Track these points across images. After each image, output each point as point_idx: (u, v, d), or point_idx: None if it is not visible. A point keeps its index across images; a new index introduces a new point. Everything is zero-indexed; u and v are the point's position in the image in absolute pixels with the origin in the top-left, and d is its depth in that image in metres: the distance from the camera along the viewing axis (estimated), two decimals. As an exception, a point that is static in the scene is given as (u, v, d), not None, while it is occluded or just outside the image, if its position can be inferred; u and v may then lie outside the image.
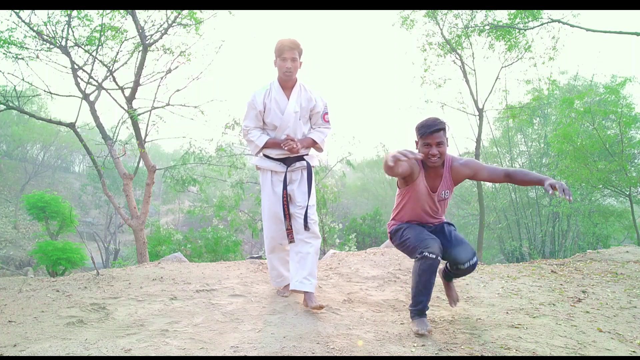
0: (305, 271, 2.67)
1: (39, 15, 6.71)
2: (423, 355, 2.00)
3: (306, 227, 2.72)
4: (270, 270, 3.05)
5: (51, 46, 6.49)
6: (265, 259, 3.72)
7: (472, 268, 2.41)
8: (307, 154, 2.87)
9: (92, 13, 6.41)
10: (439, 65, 11.65)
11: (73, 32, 6.50)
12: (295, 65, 2.68)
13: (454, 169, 2.48)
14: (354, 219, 20.56)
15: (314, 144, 2.85)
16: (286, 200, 2.76)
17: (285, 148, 2.65)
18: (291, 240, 2.79)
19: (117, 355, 1.96)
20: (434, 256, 2.26)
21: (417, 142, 2.43)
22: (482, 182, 13.42)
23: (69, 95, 7.13)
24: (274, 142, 2.74)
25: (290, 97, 2.74)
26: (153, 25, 6.86)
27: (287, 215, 2.76)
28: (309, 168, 2.82)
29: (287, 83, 2.75)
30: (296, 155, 2.77)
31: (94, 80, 6.90)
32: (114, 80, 6.94)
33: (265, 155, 2.84)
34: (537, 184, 2.37)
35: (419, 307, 2.34)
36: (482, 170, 2.48)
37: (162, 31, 6.91)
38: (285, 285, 3.04)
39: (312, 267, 2.70)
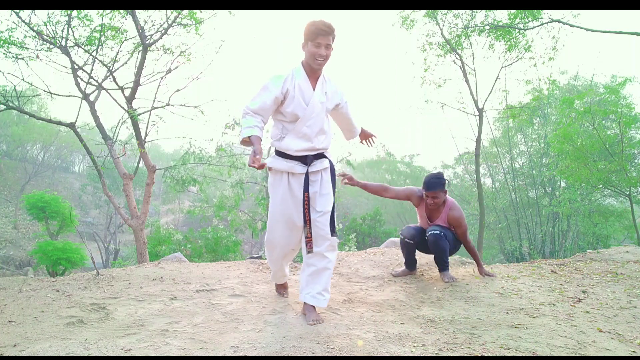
0: (320, 286, 2.46)
1: (39, 15, 6.73)
2: (423, 355, 2.00)
3: (333, 232, 2.48)
4: (276, 272, 2.87)
5: (51, 46, 6.50)
6: (265, 259, 3.70)
7: (432, 237, 3.34)
8: (327, 149, 2.59)
9: (92, 13, 6.43)
10: (439, 65, 11.66)
11: (73, 32, 6.52)
12: (328, 53, 2.38)
13: (449, 214, 3.44)
14: (354, 219, 20.59)
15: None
16: (308, 204, 2.47)
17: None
18: (309, 250, 2.48)
19: (117, 355, 1.96)
20: (402, 237, 3.57)
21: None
22: (481, 182, 13.54)
23: (69, 95, 7.15)
24: (258, 141, 2.28)
25: (315, 87, 2.46)
26: (153, 25, 6.89)
27: (308, 222, 2.47)
28: (332, 168, 2.57)
29: (315, 72, 2.45)
30: (317, 152, 2.51)
31: (94, 80, 6.91)
32: (114, 80, 6.95)
33: (279, 154, 2.53)
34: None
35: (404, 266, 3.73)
36: (458, 228, 3.45)
37: (162, 31, 6.92)
38: (284, 282, 3.00)
39: (327, 282, 2.48)
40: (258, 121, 2.36)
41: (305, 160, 2.49)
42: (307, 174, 2.48)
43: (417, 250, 3.67)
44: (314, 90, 2.45)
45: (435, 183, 3.31)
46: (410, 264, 3.67)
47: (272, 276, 2.96)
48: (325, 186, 2.53)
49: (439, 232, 3.32)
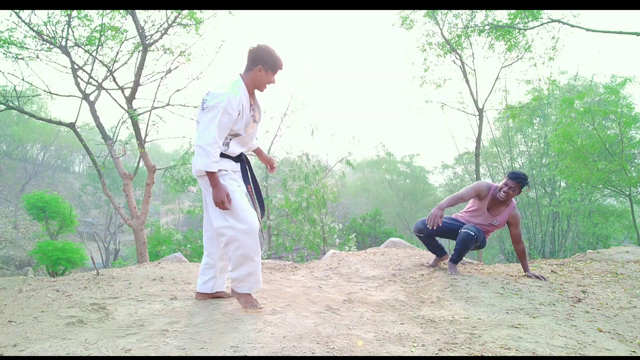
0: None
1: (39, 15, 6.73)
2: (423, 355, 2.00)
3: (263, 215, 2.88)
4: (254, 274, 2.64)
5: (51, 46, 6.49)
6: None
7: (464, 235, 3.56)
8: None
9: (92, 13, 6.42)
10: (439, 65, 11.69)
11: (73, 32, 6.52)
12: None
13: (512, 213, 3.66)
14: (354, 219, 20.60)
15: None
16: (253, 193, 2.79)
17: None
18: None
19: (117, 355, 1.96)
20: (415, 231, 3.86)
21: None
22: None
23: (69, 95, 7.14)
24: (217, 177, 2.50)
25: (253, 103, 2.68)
26: (153, 25, 6.87)
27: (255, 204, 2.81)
28: (248, 163, 2.93)
29: (254, 92, 2.68)
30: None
31: (94, 80, 6.91)
32: (114, 80, 6.94)
33: (223, 156, 2.61)
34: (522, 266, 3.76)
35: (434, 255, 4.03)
36: (515, 228, 3.68)
37: (162, 31, 6.92)
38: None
39: None
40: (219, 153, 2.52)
41: (238, 158, 2.75)
42: (247, 169, 2.77)
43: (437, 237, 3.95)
44: (252, 107, 2.67)
45: (520, 178, 3.55)
46: (436, 252, 3.96)
47: (257, 279, 2.67)
48: (243, 178, 2.84)
49: (473, 233, 3.53)
